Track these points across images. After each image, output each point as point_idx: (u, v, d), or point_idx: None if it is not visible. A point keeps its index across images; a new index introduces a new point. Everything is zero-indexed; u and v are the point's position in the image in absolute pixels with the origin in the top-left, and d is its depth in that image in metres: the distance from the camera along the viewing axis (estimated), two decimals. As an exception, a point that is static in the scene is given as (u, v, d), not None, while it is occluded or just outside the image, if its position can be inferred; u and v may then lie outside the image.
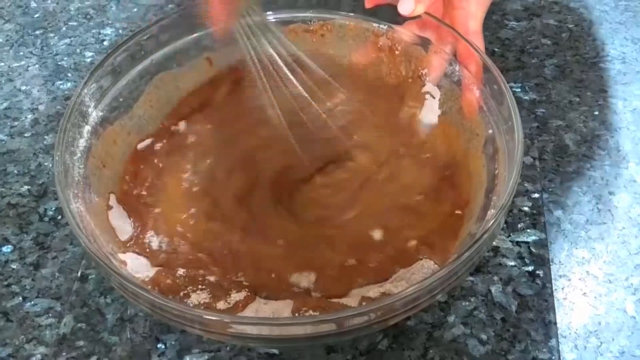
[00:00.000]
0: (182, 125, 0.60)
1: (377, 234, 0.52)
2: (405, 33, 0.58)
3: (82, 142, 0.52)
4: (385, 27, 0.59)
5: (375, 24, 0.60)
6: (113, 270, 0.43)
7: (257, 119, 0.56)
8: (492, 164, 0.51)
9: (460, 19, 0.56)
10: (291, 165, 0.55)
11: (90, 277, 0.54)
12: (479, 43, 0.55)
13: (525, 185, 0.59)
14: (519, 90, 0.66)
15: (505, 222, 0.56)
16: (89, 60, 0.73)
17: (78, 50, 0.75)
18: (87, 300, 0.53)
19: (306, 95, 0.54)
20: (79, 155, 0.52)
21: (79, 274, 0.55)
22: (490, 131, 0.52)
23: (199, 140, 0.59)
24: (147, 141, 0.58)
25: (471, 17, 0.55)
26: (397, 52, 0.59)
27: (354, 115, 0.58)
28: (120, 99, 0.56)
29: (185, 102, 0.60)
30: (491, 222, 0.44)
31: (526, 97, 0.66)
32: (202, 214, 0.54)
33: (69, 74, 0.72)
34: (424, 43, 0.58)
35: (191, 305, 0.47)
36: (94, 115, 0.54)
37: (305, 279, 0.50)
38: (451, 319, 0.51)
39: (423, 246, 0.50)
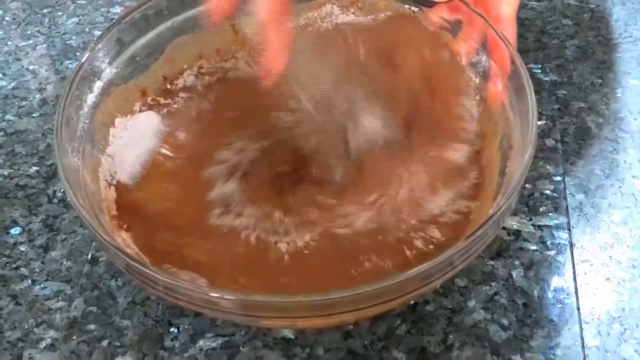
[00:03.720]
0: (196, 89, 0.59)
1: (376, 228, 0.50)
2: (435, 17, 0.57)
3: (91, 97, 0.52)
4: (416, 9, 0.58)
5: (406, 5, 0.58)
6: (90, 225, 0.43)
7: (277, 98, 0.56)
8: (505, 157, 0.50)
9: (493, 3, 0.54)
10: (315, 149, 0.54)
11: (100, 259, 0.54)
12: (511, 31, 0.53)
13: (547, 168, 0.58)
14: (539, 71, 0.65)
15: (527, 205, 0.55)
16: (98, 39, 0.73)
17: (87, 29, 0.74)
18: (98, 283, 0.52)
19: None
20: (85, 109, 0.51)
21: (89, 256, 0.54)
22: (506, 120, 0.51)
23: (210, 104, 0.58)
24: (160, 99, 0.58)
25: (505, 2, 0.54)
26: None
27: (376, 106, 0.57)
28: (137, 58, 0.55)
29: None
30: (502, 204, 0.42)
31: (547, 79, 0.65)
32: (203, 185, 0.53)
33: (78, 53, 0.71)
34: (453, 29, 0.56)
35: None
36: (108, 71, 0.53)
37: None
38: (471, 303, 0.50)
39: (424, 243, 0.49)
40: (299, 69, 0.52)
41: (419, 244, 0.49)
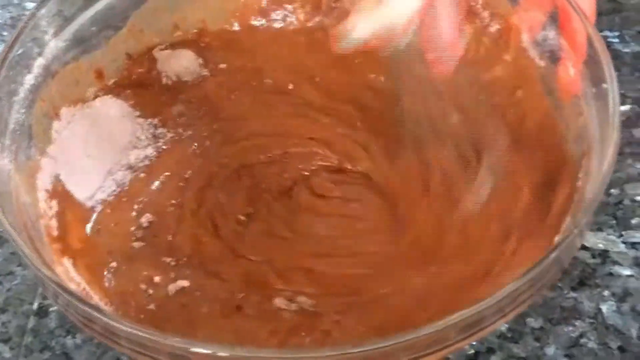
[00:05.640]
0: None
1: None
2: None
3: (29, 79, 0.50)
4: None
5: None
6: (22, 251, 0.41)
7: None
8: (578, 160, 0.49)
9: None
10: None
11: (51, 309, 0.53)
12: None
13: (638, 166, 0.57)
14: (617, 40, 0.66)
15: (614, 216, 0.55)
16: (31, 14, 0.72)
17: (15, 0, 0.74)
18: (49, 342, 0.51)
19: None
20: (22, 95, 0.50)
21: (34, 306, 0.53)
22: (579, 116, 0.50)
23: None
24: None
25: None
26: (477, 5, 0.57)
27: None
28: (93, 28, 0.54)
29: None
30: (574, 228, 0.41)
31: (627, 50, 0.65)
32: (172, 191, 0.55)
33: (4, 33, 0.71)
34: None
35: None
36: (52, 45, 0.52)
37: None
38: (550, 350, 0.49)
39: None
40: None
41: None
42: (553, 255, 0.39)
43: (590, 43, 0.49)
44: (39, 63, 0.51)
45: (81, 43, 0.54)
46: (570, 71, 0.51)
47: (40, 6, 0.51)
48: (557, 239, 0.42)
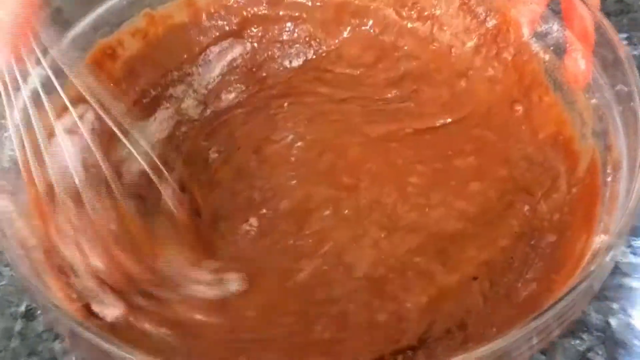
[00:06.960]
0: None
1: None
2: None
3: (17, 113, 0.49)
4: None
5: None
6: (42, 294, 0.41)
7: None
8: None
9: None
10: None
11: (39, 312, 0.52)
12: None
13: (648, 172, 0.56)
14: (625, 43, 0.65)
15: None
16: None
17: None
18: (37, 347, 0.51)
19: None
20: (11, 131, 0.48)
21: (22, 307, 0.52)
22: (601, 116, 0.49)
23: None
24: None
25: None
26: (471, 2, 0.57)
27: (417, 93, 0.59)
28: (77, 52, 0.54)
29: None
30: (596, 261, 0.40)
31: (635, 52, 0.65)
32: None
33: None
34: None
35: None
36: (36, 73, 0.50)
37: None
38: (558, 365, 0.49)
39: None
40: None
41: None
42: (584, 283, 0.39)
43: (599, 31, 0.49)
44: (24, 94, 0.49)
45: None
46: (580, 64, 0.51)
47: None
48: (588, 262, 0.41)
